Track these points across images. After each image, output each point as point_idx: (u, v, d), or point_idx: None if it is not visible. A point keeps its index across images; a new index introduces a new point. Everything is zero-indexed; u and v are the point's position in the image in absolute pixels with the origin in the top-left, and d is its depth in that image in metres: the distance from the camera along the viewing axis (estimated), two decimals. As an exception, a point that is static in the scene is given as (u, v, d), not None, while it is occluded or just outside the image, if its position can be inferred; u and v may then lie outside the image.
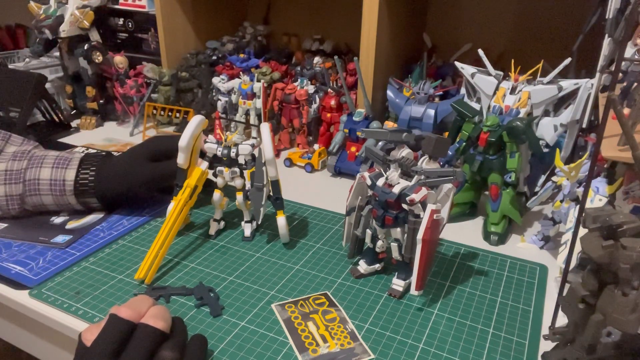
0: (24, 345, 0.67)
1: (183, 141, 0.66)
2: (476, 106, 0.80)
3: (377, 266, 0.65)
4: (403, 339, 0.54)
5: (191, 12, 1.27)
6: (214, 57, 1.20)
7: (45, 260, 0.67)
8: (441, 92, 0.95)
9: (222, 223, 0.75)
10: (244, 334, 0.55)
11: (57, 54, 1.25)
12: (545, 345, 0.52)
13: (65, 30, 1.14)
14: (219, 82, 1.10)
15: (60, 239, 0.71)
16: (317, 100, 1.04)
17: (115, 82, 1.19)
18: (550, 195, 0.71)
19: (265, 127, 0.67)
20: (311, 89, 1.04)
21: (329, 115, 1.02)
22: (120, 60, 1.20)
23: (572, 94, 0.75)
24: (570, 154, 0.82)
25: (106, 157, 0.78)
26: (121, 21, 1.32)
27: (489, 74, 0.80)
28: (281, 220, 0.70)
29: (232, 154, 0.69)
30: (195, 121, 0.67)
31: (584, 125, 0.79)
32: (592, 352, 0.41)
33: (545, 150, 0.76)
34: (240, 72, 1.11)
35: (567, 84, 0.74)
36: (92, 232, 0.74)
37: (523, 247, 0.74)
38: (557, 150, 0.69)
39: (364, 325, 0.56)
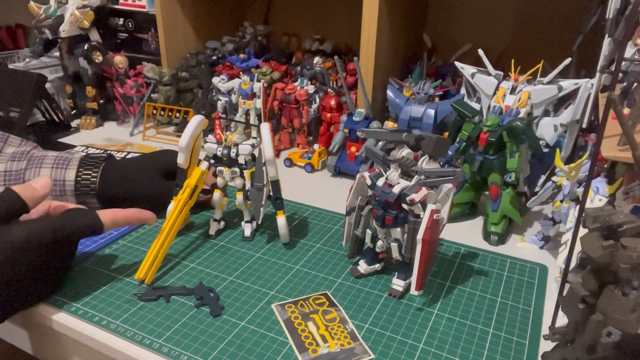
0: (23, 345, 0.67)
1: (183, 141, 0.66)
2: (476, 106, 0.80)
3: (377, 266, 0.65)
4: (403, 339, 0.54)
5: (191, 12, 1.27)
6: (214, 57, 1.20)
7: (45, 260, 0.67)
8: (441, 92, 0.95)
9: (222, 223, 0.75)
10: (244, 334, 0.55)
11: (57, 54, 1.25)
12: (545, 345, 0.52)
13: (65, 30, 1.14)
14: (219, 82, 1.10)
15: (60, 239, 0.71)
16: (317, 100, 1.05)
17: (115, 82, 1.19)
18: (550, 195, 0.71)
19: (265, 127, 0.67)
20: (311, 89, 1.04)
21: (329, 115, 1.02)
22: (120, 60, 1.20)
23: (572, 94, 0.75)
24: (570, 154, 0.82)
25: (109, 159, 0.78)
26: (121, 21, 1.32)
27: (489, 74, 0.80)
28: (281, 220, 0.70)
29: (232, 154, 0.69)
30: (195, 121, 0.67)
31: (584, 125, 0.79)
32: (592, 352, 0.41)
33: (545, 150, 0.77)
34: (240, 72, 1.11)
35: (567, 84, 0.74)
36: (92, 232, 0.73)
37: (523, 247, 0.74)
38: (557, 150, 0.69)
39: (364, 325, 0.56)
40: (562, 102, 0.76)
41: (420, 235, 0.55)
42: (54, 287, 0.61)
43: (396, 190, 0.57)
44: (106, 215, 0.60)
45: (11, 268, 0.52)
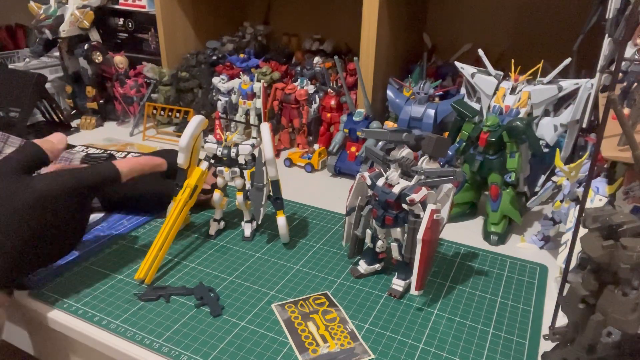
0: (24, 345, 0.67)
1: (183, 141, 0.66)
2: (476, 106, 0.80)
3: (377, 266, 0.65)
4: (403, 339, 0.54)
5: (191, 12, 1.27)
6: (214, 57, 1.21)
7: (45, 260, 0.67)
8: (441, 92, 0.95)
9: (222, 223, 0.75)
10: (244, 334, 0.55)
11: (57, 54, 1.25)
12: (545, 345, 0.52)
13: (65, 30, 1.14)
14: (219, 82, 1.10)
15: (60, 239, 0.71)
16: (317, 100, 1.05)
17: (115, 82, 1.20)
18: (550, 195, 0.71)
19: (265, 127, 0.68)
20: (311, 89, 1.04)
21: (329, 115, 1.02)
22: (120, 60, 1.20)
23: (572, 94, 0.75)
24: (570, 154, 0.82)
25: (110, 159, 0.78)
26: (121, 21, 1.32)
27: (489, 74, 0.80)
28: (281, 220, 0.70)
29: (232, 154, 0.69)
30: (195, 121, 0.67)
31: (584, 125, 0.79)
32: (592, 352, 0.41)
33: (545, 150, 0.77)
34: (240, 72, 1.11)
35: (567, 84, 0.74)
36: (92, 232, 0.73)
37: (523, 247, 0.74)
38: (557, 150, 0.69)
39: (364, 325, 0.56)
40: (562, 102, 0.76)
41: (420, 235, 0.55)
42: (74, 243, 0.61)
43: (396, 190, 0.57)
44: (122, 164, 0.61)
45: (37, 218, 0.52)
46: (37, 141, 0.59)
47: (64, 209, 0.55)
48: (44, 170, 0.59)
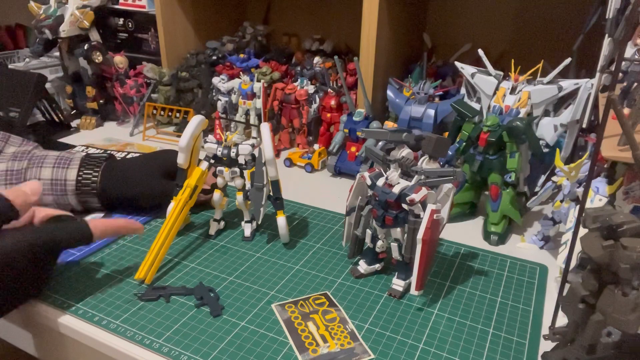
0: (24, 345, 0.67)
1: (183, 141, 0.66)
2: (476, 106, 0.80)
3: (377, 266, 0.65)
4: (403, 339, 0.54)
5: (191, 12, 1.27)
6: (214, 57, 1.21)
7: (45, 260, 0.67)
8: (441, 92, 0.95)
9: (222, 223, 0.75)
10: (244, 334, 0.55)
11: (57, 54, 1.25)
12: (545, 345, 0.52)
13: (65, 30, 1.14)
14: (219, 82, 1.10)
15: (60, 239, 0.71)
16: (317, 100, 1.05)
17: (115, 82, 1.20)
18: (550, 195, 0.71)
19: (265, 127, 0.68)
20: (311, 89, 1.04)
21: (329, 115, 1.02)
22: (120, 60, 1.20)
23: (572, 94, 0.75)
24: (570, 154, 0.82)
25: (110, 159, 0.78)
26: (121, 21, 1.32)
27: (489, 74, 0.80)
28: (281, 220, 0.70)
29: (232, 154, 0.69)
30: (195, 121, 0.67)
31: (584, 125, 0.79)
32: (592, 352, 0.41)
33: (545, 150, 0.77)
34: (240, 72, 1.11)
35: (567, 84, 0.74)
36: (92, 232, 0.73)
37: (523, 247, 0.74)
38: (557, 150, 0.69)
39: (364, 325, 0.56)
40: (562, 102, 0.76)
41: (420, 235, 0.55)
42: (33, 293, 0.60)
43: (396, 190, 0.57)
44: (96, 225, 0.59)
45: None
46: (9, 192, 0.56)
47: (24, 269, 0.53)
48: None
